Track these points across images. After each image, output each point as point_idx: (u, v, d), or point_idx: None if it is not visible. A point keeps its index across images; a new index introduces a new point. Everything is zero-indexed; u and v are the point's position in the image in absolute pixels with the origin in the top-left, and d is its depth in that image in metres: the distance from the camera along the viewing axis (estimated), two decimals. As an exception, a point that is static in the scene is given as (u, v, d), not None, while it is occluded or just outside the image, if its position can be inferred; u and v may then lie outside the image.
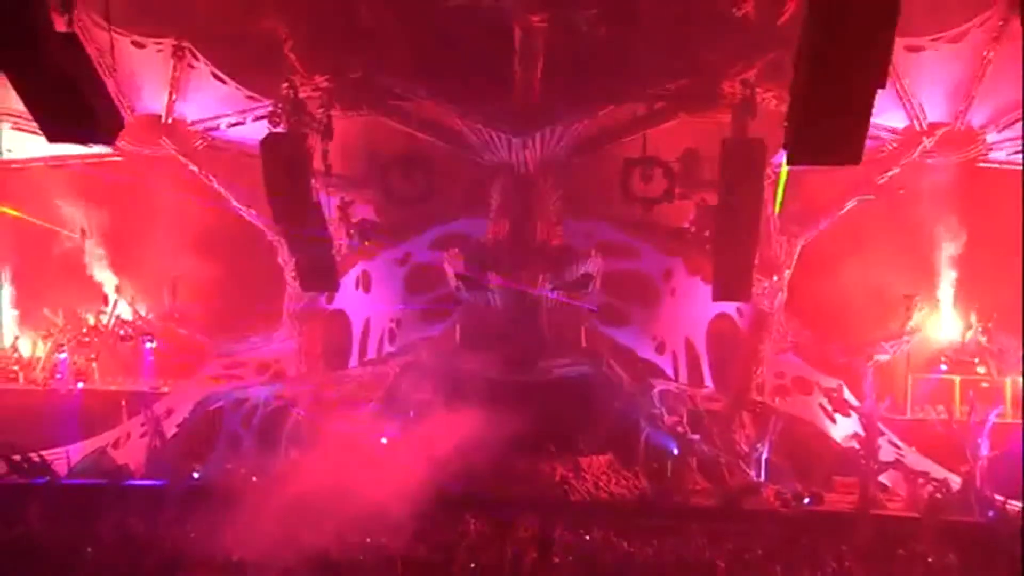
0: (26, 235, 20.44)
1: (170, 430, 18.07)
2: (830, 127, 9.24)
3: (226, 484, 15.93)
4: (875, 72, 8.69)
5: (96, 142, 10.63)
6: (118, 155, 18.70)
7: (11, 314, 21.57)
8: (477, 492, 15.28)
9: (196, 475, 16.85)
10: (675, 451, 17.20)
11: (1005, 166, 18.39)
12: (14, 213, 20.00)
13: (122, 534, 12.64)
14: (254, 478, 16.35)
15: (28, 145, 18.52)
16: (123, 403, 19.06)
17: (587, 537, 13.71)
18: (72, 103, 9.03)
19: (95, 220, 20.38)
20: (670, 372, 19.09)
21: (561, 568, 12.40)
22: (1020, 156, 18.20)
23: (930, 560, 13.23)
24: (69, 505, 14.28)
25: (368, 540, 12.79)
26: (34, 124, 17.16)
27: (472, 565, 12.16)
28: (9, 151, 18.83)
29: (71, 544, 12.08)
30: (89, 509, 14.05)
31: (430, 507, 13.55)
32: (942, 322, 19.63)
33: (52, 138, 9.73)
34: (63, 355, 20.54)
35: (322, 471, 14.55)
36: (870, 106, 9.15)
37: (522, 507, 14.69)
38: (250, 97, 17.66)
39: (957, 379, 18.96)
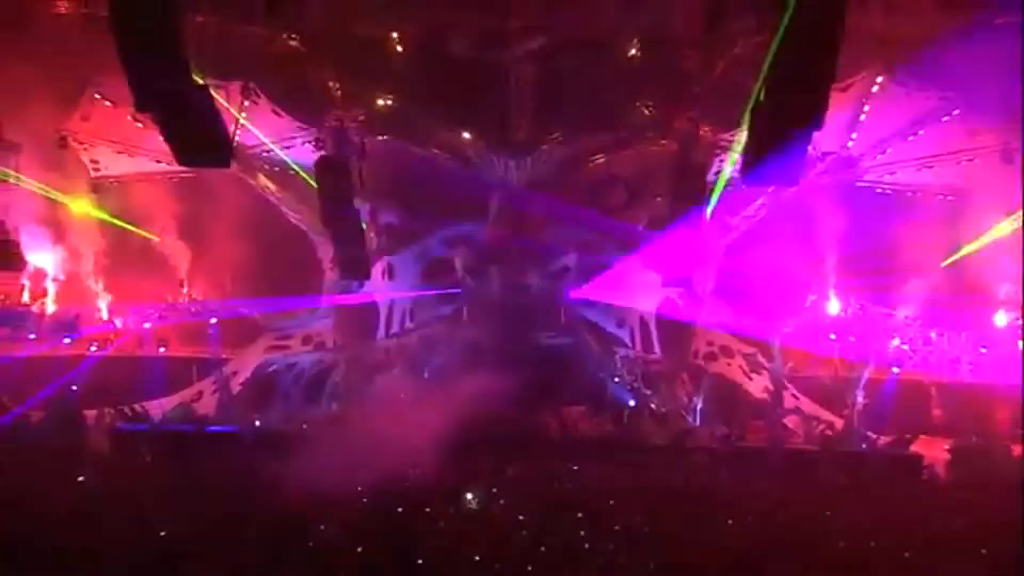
0: (118, 233, 20.27)
1: (235, 388, 18.21)
2: (778, 158, 9.81)
3: (284, 431, 16.16)
4: (815, 117, 9.25)
5: (216, 165, 10.71)
6: (191, 172, 18.58)
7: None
8: (485, 436, 15.40)
9: (258, 423, 16.93)
10: (632, 403, 17.72)
11: (875, 186, 19.13)
12: (112, 220, 19.87)
13: (220, 470, 12.67)
14: (304, 426, 16.59)
15: (120, 163, 18.48)
16: (194, 367, 19.07)
17: (575, 468, 14.10)
18: (202, 136, 9.17)
19: (172, 221, 20.18)
20: (628, 342, 19.39)
21: (560, 492, 12.71)
22: (887, 178, 19.04)
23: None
24: (170, 447, 14.34)
25: (411, 472, 13.00)
26: (124, 147, 17.57)
27: (494, 490, 12.40)
28: (106, 168, 18.70)
29: (182, 479, 12.03)
30: (187, 450, 14.12)
31: (448, 448, 13.58)
32: (831, 302, 20.32)
33: (183, 162, 9.85)
34: (147, 325, 20.36)
35: (360, 420, 14.75)
36: (808, 143, 9.74)
37: (521, 447, 15.06)
38: (299, 126, 17.67)
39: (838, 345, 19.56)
